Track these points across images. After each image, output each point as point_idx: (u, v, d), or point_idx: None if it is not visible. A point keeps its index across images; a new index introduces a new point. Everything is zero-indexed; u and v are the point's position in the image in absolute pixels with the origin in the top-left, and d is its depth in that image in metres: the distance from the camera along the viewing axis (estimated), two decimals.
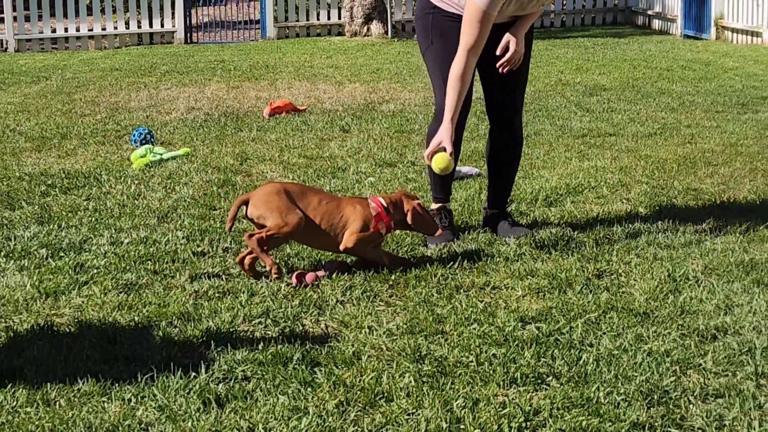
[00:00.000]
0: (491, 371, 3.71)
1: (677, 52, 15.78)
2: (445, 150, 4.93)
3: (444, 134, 5.00)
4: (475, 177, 6.93)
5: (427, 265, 4.96)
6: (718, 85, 11.87)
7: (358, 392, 3.56)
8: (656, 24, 20.25)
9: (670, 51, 15.95)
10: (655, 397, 3.50)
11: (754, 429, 3.29)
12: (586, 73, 13.40)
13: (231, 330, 4.14)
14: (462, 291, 4.60)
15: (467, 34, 5.09)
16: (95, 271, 4.92)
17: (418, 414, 3.40)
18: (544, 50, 15.77)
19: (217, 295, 4.59)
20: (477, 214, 5.85)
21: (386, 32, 19.32)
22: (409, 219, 4.94)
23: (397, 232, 5.25)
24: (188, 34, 19.34)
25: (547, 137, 8.52)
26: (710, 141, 8.25)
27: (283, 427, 3.32)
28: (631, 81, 12.41)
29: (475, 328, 4.11)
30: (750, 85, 11.84)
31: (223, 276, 4.85)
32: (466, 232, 5.51)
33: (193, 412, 3.43)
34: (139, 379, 3.67)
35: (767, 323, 4.15)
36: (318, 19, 20.21)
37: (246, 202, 4.86)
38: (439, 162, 4.93)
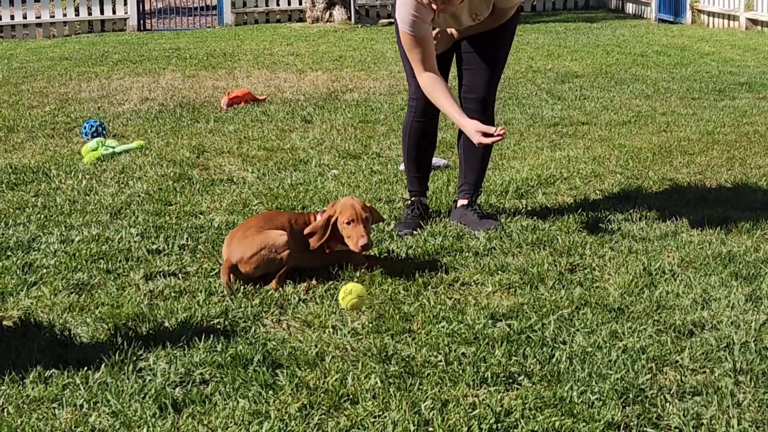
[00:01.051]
0: (461, 371, 3.71)
1: (652, 36, 15.89)
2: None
3: (477, 126, 5.05)
4: (443, 168, 6.93)
5: (393, 260, 4.96)
6: (694, 71, 11.95)
7: (322, 394, 3.55)
8: (630, 8, 20.36)
9: (645, 36, 16.06)
10: (631, 395, 3.52)
11: (733, 427, 3.32)
12: (558, 59, 13.45)
13: (188, 331, 4.11)
14: (430, 288, 4.60)
15: (415, 60, 5.20)
16: (44, 270, 4.89)
17: (385, 416, 3.40)
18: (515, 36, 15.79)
19: (173, 294, 4.57)
20: (445, 207, 5.86)
21: (349, 18, 19.30)
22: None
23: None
24: (142, 21, 19.24)
25: (517, 126, 8.54)
26: (686, 129, 8.30)
27: None
28: (605, 67, 12.47)
29: (443, 327, 4.11)
30: (727, 70, 11.94)
31: (180, 275, 4.83)
32: (434, 226, 5.52)
33: (149, 418, 3.41)
34: (92, 384, 3.64)
35: (746, 318, 4.19)
36: (278, 4, 20.17)
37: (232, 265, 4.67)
38: (352, 300, 4.36)
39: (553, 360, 3.79)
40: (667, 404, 3.47)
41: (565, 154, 7.34)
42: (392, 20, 18.33)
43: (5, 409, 3.49)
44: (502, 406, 3.45)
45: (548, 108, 9.47)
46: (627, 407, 3.45)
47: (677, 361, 3.79)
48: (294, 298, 4.49)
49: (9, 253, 5.15)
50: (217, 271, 4.83)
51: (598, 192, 6.24)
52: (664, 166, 6.94)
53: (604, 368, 3.71)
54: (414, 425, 3.32)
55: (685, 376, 3.67)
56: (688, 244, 5.16)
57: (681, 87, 10.69)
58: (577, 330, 4.08)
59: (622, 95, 10.22)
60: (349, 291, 4.31)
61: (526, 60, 13.26)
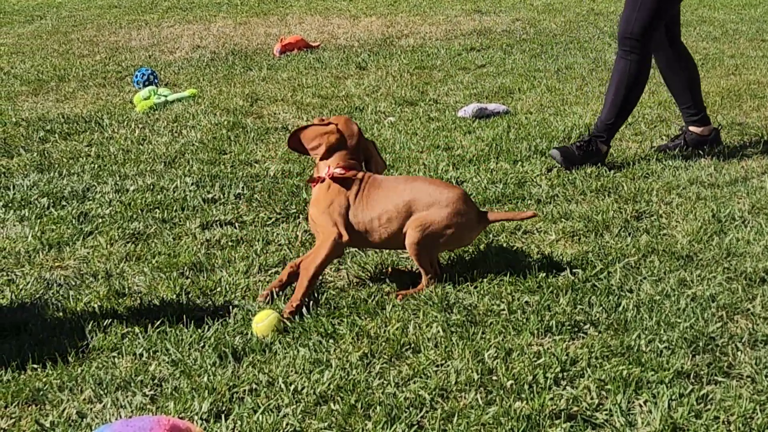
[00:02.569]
0: (524, 320, 3.72)
1: None
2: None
3: None
4: (503, 114, 6.90)
5: None
6: (764, 11, 11.75)
7: (383, 343, 3.58)
8: None
9: None
10: (701, 344, 3.50)
11: None
12: (621, 1, 13.27)
13: (246, 280, 4.15)
14: (491, 236, 4.60)
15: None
16: (100, 220, 4.95)
17: (448, 365, 3.42)
18: None
19: (230, 243, 4.61)
20: (505, 153, 5.84)
21: None
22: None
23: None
24: None
25: (579, 71, 8.47)
26: (756, 72, 8.18)
27: (304, 381, 3.34)
28: None
29: (506, 275, 4.11)
30: None
31: (236, 224, 4.87)
32: (494, 173, 5.50)
33: (209, 367, 3.45)
34: (151, 333, 3.69)
35: None
36: None
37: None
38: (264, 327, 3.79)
39: (620, 308, 3.79)
40: (739, 353, 3.45)
41: None
42: None
43: (65, 358, 3.55)
44: (567, 355, 3.45)
45: (611, 52, 9.37)
46: (697, 356, 3.44)
47: (748, 309, 3.77)
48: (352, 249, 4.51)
49: (64, 203, 5.22)
50: (274, 219, 4.86)
51: (664, 137, 6.18)
52: (732, 110, 6.86)
53: (673, 317, 3.70)
54: (477, 374, 3.34)
55: (757, 325, 3.65)
56: (759, 190, 5.11)
57: (750, 28, 10.52)
58: (644, 278, 4.06)
59: (688, 38, 10.08)
60: (267, 315, 3.79)
61: (588, 2, 13.12)
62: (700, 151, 5.86)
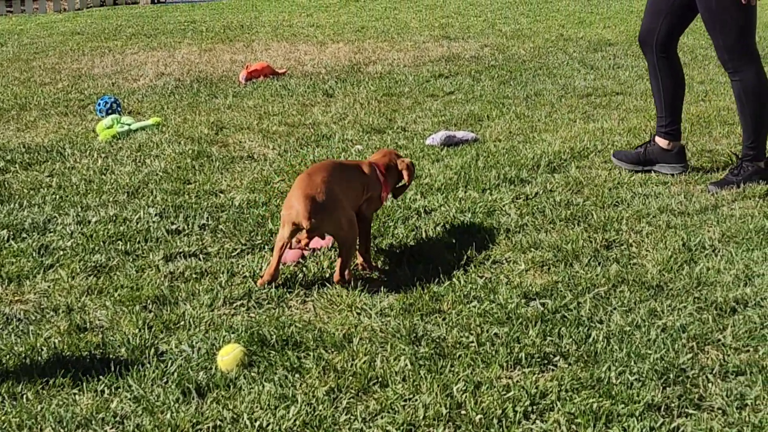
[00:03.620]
0: (493, 352, 3.72)
1: None
2: None
3: None
4: (471, 142, 6.92)
5: (421, 239, 4.97)
6: None
7: (350, 377, 3.57)
8: None
9: None
10: (671, 375, 3.51)
11: None
12: (590, 26, 13.38)
13: (210, 313, 4.14)
14: (460, 266, 4.61)
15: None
16: (61, 252, 4.92)
17: (416, 399, 3.41)
18: (543, 2, 15.73)
19: (194, 276, 4.59)
20: (474, 182, 5.85)
21: None
22: (406, 178, 4.89)
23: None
24: None
25: (548, 97, 8.52)
26: (725, 98, 8.25)
27: (269, 417, 3.33)
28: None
29: (475, 306, 4.12)
30: None
31: (201, 255, 4.85)
32: (463, 202, 5.52)
33: (172, 403, 3.43)
34: (113, 369, 3.67)
35: None
36: None
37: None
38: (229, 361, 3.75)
39: (590, 340, 3.80)
40: (710, 384, 3.47)
41: (599, 126, 7.31)
42: None
43: (24, 396, 3.52)
44: (537, 387, 3.45)
45: (580, 78, 9.43)
46: (668, 388, 3.45)
47: (719, 340, 3.79)
48: (319, 279, 4.50)
49: (24, 235, 5.18)
50: (239, 251, 4.85)
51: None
52: (702, 137, 6.91)
53: (643, 348, 3.71)
54: (446, 408, 3.34)
55: (728, 356, 3.67)
56: (729, 218, 5.15)
57: None
58: (614, 308, 4.08)
59: None
60: (232, 349, 3.76)
61: (557, 28, 13.20)
62: (653, 170, 6.03)
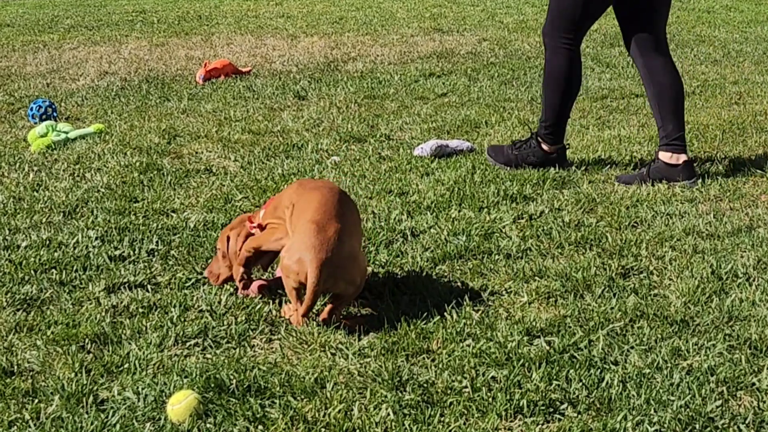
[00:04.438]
0: (490, 399, 3.73)
1: None
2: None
3: None
4: (466, 153, 6.94)
5: (407, 266, 4.98)
6: None
7: (323, 429, 3.57)
8: None
9: None
10: (698, 426, 3.52)
11: None
12: (606, 17, 13.41)
13: (159, 354, 4.14)
14: (452, 298, 4.61)
15: None
16: None
17: None
18: None
19: (141, 310, 4.59)
20: (469, 199, 5.87)
21: None
22: None
23: None
24: None
25: None
26: (763, 101, 8.30)
27: None
28: None
29: (469, 345, 4.12)
30: None
31: (149, 286, 4.85)
32: (457, 223, 5.53)
33: None
34: (44, 420, 3.66)
35: None
36: None
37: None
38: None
39: (603, 384, 3.80)
40: None
41: (615, 134, 7.34)
42: None
43: None
44: None
45: (594, 77, 9.48)
46: None
47: (753, 384, 3.80)
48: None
49: None
50: (194, 280, 4.85)
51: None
52: (736, 146, 6.95)
53: (665, 394, 3.72)
54: None
55: (763, 402, 3.68)
56: (766, 242, 5.17)
57: (756, 49, 10.68)
58: (632, 347, 4.09)
59: (684, 60, 10.21)
60: (184, 396, 3.75)
61: None
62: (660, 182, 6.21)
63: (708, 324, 4.28)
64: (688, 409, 3.61)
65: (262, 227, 4.64)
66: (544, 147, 6.56)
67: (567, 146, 6.76)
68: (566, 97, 6.50)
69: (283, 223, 4.51)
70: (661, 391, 3.74)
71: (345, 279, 4.31)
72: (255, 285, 4.72)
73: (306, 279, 4.22)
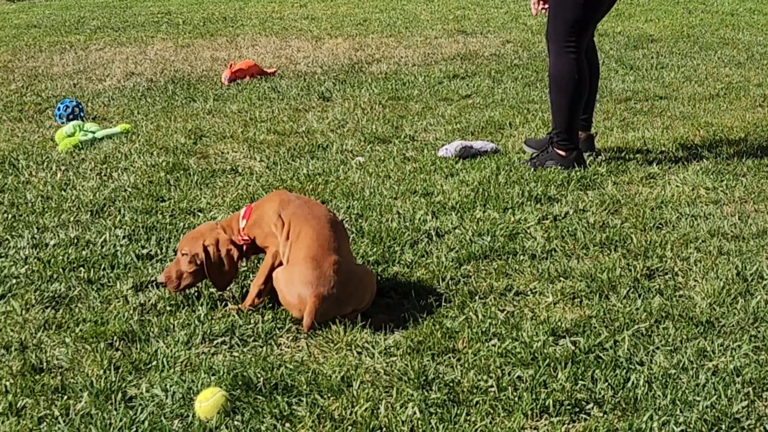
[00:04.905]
0: (516, 398, 3.72)
1: None
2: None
3: None
4: (491, 154, 6.94)
5: (433, 266, 4.98)
6: None
7: (349, 427, 3.57)
8: None
9: None
10: (723, 426, 3.52)
11: None
12: (629, 20, 13.42)
13: (187, 352, 4.15)
14: (477, 298, 4.61)
15: None
16: (14, 281, 4.93)
17: None
18: None
19: (168, 308, 4.60)
20: (494, 199, 5.87)
21: None
22: None
23: None
24: None
25: None
26: None
27: None
28: (686, 29, 12.43)
29: (494, 345, 4.12)
30: None
31: None
32: (481, 224, 5.53)
33: None
34: (73, 416, 3.68)
35: None
36: None
37: None
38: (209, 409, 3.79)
39: (629, 384, 3.80)
40: None
41: (640, 135, 7.33)
42: None
43: None
44: None
45: (618, 79, 9.46)
46: None
47: None
48: None
49: None
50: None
51: (680, 181, 6.23)
52: (760, 148, 6.92)
53: (691, 394, 3.71)
54: None
55: None
56: None
57: None
58: (657, 348, 4.08)
59: (707, 63, 10.19)
60: (212, 394, 3.80)
61: None
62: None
63: (733, 325, 4.27)
64: (713, 410, 3.60)
65: (250, 239, 4.66)
66: (561, 152, 6.56)
67: (594, 134, 7.00)
68: (574, 101, 6.51)
69: (274, 238, 4.59)
70: (686, 391, 3.73)
71: (352, 303, 4.38)
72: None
73: (304, 314, 4.32)
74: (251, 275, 4.88)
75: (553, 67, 6.60)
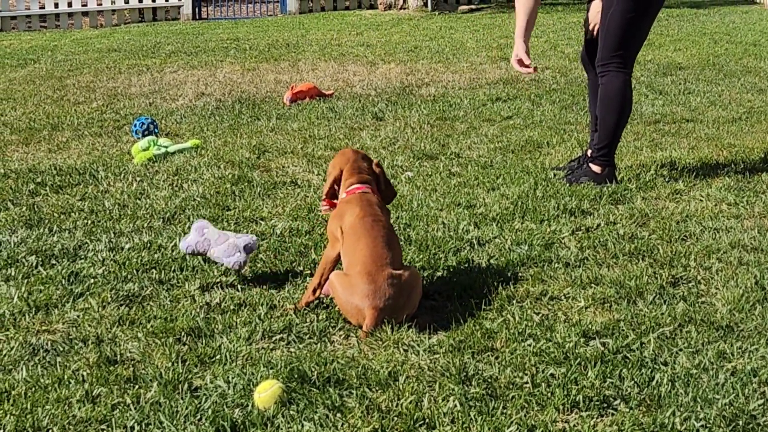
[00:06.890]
0: (549, 394, 3.72)
1: (766, 23, 15.69)
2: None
3: (518, 51, 6.51)
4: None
5: (474, 272, 4.98)
6: None
7: (395, 418, 3.58)
8: None
9: (758, 23, 15.87)
10: (741, 422, 3.49)
11: None
12: (659, 49, 13.35)
13: (248, 347, 4.17)
14: (515, 302, 4.61)
15: None
16: (92, 280, 4.97)
17: None
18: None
19: (231, 307, 4.63)
20: (531, 212, 5.86)
21: (425, 4, 19.35)
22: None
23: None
24: (197, 9, 19.46)
25: None
26: None
27: None
28: (712, 58, 12.35)
29: (530, 345, 4.12)
30: None
31: (239, 286, 4.88)
32: (518, 234, 5.52)
33: None
34: (143, 404, 3.70)
35: None
36: None
37: None
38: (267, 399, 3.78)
39: (653, 383, 3.78)
40: None
41: (667, 155, 7.29)
42: (472, 6, 18.37)
43: (50, 431, 3.56)
44: None
45: (648, 103, 9.42)
46: None
47: None
48: None
49: (54, 262, 5.24)
50: (280, 281, 4.88)
51: (704, 197, 6.19)
52: None
53: (711, 392, 3.69)
54: None
55: None
56: None
57: None
58: (680, 350, 4.06)
59: (731, 89, 10.12)
60: (270, 386, 3.79)
61: None
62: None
63: (751, 330, 4.24)
64: (732, 407, 3.58)
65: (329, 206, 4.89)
66: (596, 169, 6.53)
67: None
68: (623, 118, 6.48)
69: (336, 241, 4.60)
70: (707, 390, 3.71)
71: (406, 310, 4.37)
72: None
73: (362, 322, 4.33)
74: (308, 278, 4.89)
75: (604, 87, 6.52)
